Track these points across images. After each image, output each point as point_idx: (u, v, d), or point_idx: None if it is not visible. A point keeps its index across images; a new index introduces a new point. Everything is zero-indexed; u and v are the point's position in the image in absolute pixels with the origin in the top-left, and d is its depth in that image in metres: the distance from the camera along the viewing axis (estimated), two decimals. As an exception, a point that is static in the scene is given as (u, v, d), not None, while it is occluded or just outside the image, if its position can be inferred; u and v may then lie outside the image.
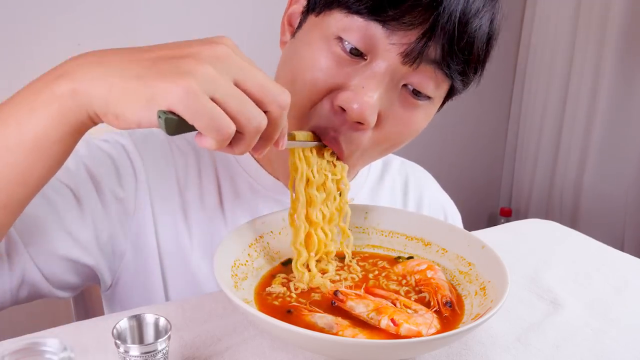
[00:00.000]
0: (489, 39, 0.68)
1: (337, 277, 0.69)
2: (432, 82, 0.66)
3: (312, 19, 0.68)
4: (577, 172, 2.48)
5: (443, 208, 0.98)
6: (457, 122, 2.64)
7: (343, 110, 0.65)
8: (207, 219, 0.80)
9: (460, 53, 0.64)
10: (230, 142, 0.51)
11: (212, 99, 0.48)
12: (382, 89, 0.65)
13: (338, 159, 0.70)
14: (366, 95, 0.63)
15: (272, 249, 0.72)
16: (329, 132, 0.67)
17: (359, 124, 0.66)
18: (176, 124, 0.47)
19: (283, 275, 0.69)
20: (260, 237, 0.71)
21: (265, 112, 0.51)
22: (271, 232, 0.73)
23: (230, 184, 0.81)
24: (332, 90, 0.66)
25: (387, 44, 0.63)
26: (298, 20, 0.72)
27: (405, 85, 0.67)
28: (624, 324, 0.68)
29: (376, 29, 0.63)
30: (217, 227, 0.80)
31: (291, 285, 0.67)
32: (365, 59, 0.64)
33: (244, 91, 0.50)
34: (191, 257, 0.79)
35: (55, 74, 0.52)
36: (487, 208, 2.90)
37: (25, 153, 0.52)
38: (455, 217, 1.00)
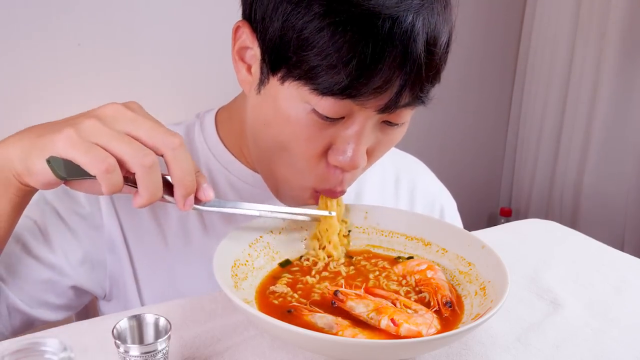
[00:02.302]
0: (448, 47, 0.66)
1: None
2: (407, 114, 0.68)
3: (275, 83, 0.65)
4: (577, 172, 2.48)
5: (438, 198, 0.97)
6: (457, 123, 2.64)
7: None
8: (183, 220, 0.80)
9: (430, 85, 0.65)
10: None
11: (96, 144, 0.55)
12: (365, 136, 0.66)
13: None
14: (354, 149, 0.66)
15: (272, 248, 0.72)
16: (336, 189, 0.71)
17: None
18: (59, 166, 0.55)
19: (288, 275, 0.69)
20: (260, 237, 0.71)
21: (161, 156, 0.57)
22: (271, 232, 0.73)
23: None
24: (324, 152, 0.68)
25: (362, 108, 0.64)
26: (249, 55, 0.69)
27: (383, 120, 0.68)
28: (624, 324, 0.68)
29: (349, 102, 0.62)
30: (193, 225, 0.80)
31: (307, 262, 0.70)
32: (343, 118, 0.65)
33: (135, 138, 0.57)
34: (165, 259, 0.80)
35: None
36: (487, 208, 2.90)
37: None
38: (450, 206, 0.99)
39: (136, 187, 0.57)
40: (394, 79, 0.61)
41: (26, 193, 0.62)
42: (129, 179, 0.58)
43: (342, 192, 0.72)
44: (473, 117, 2.69)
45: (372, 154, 0.70)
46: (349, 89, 0.60)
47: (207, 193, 0.62)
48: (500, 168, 2.89)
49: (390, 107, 0.63)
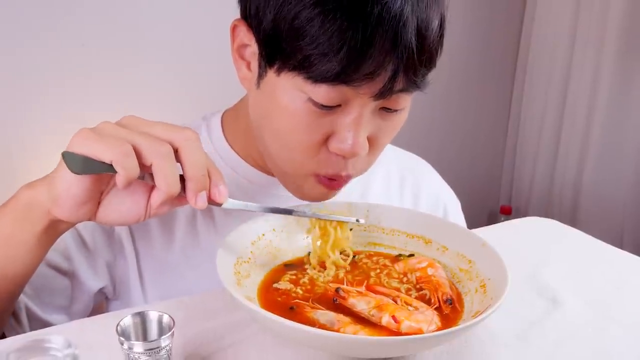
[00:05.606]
0: (442, 31, 0.66)
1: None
2: (404, 99, 0.68)
3: (272, 75, 0.66)
4: (577, 170, 2.48)
5: (442, 198, 0.97)
6: (457, 121, 2.64)
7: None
8: (191, 223, 0.81)
9: (424, 69, 0.65)
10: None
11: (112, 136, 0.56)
12: (364, 123, 0.66)
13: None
14: (353, 136, 0.66)
15: (275, 246, 0.72)
16: (341, 174, 0.70)
17: None
18: (74, 160, 0.55)
19: (292, 272, 0.70)
20: (263, 235, 0.72)
21: (176, 151, 0.57)
22: (274, 229, 0.73)
23: None
24: (324, 140, 0.68)
25: (357, 95, 0.64)
26: (248, 52, 0.70)
27: (382, 107, 0.68)
28: (624, 321, 0.69)
29: (343, 88, 0.63)
30: (202, 228, 0.81)
31: (308, 268, 0.69)
32: (340, 106, 0.65)
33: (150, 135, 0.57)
34: (172, 261, 0.80)
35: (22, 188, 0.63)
36: (487, 206, 2.90)
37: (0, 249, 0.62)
38: (454, 206, 0.99)
39: (152, 183, 0.57)
40: (386, 64, 0.61)
41: (55, 229, 0.63)
42: (144, 178, 0.57)
43: (348, 177, 0.71)
44: (473, 116, 2.69)
45: (374, 141, 0.70)
46: (342, 75, 0.61)
47: (221, 194, 0.60)
48: (500, 167, 2.89)
49: (384, 93, 0.63)
